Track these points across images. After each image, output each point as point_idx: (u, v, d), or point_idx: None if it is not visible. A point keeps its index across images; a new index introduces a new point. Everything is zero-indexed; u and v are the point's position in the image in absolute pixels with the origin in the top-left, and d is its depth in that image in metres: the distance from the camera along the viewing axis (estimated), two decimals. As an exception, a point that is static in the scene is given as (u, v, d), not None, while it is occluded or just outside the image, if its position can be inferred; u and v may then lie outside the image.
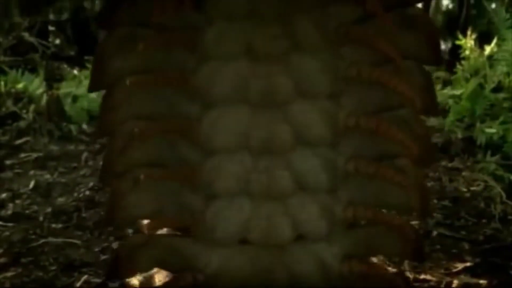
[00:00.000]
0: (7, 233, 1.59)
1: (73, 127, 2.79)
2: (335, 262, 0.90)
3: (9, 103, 2.95)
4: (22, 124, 2.77)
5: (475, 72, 2.73)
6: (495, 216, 1.65)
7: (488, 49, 2.81)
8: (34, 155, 2.43)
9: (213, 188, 0.88)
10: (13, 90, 3.09)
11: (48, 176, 2.15)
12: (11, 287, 1.28)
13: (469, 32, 2.96)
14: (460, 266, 1.33)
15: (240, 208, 0.88)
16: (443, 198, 1.82)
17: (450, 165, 2.18)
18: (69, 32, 5.89)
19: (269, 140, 0.85)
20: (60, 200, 1.86)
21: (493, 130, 2.23)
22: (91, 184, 2.00)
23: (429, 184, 1.93)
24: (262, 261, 0.89)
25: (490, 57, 2.76)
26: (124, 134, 0.89)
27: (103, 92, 0.91)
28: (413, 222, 1.40)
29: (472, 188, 1.91)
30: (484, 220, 1.65)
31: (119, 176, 0.90)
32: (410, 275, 1.26)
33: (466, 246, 1.47)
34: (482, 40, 3.02)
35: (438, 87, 3.03)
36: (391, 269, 1.24)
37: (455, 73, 2.91)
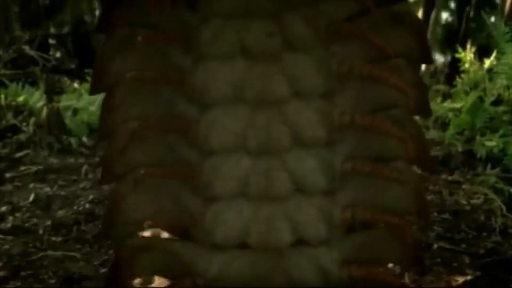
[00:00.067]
0: (6, 246, 1.58)
1: (73, 140, 2.79)
2: (334, 267, 0.90)
3: (9, 116, 2.96)
4: (22, 137, 2.77)
5: (475, 85, 2.74)
6: (496, 229, 1.65)
7: (487, 63, 2.82)
8: (34, 168, 2.43)
9: (212, 189, 0.88)
10: (13, 103, 3.10)
11: (48, 189, 2.15)
12: (10, 301, 1.28)
13: (468, 46, 2.97)
14: (460, 279, 1.33)
15: (239, 211, 0.88)
16: (443, 211, 1.81)
17: (450, 178, 2.18)
18: (69, 45, 5.91)
19: (266, 140, 0.85)
20: (60, 213, 1.86)
21: (493, 143, 2.23)
22: (90, 197, 2.00)
23: (429, 197, 1.92)
24: (261, 266, 0.89)
25: (489, 70, 2.77)
26: (124, 134, 0.89)
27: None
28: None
29: (472, 201, 1.91)
30: (484, 233, 1.64)
31: (119, 177, 0.91)
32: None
33: (467, 259, 1.46)
34: (482, 53, 3.04)
35: (438, 100, 3.03)
36: (391, 275, 1.24)
37: (455, 86, 2.92)
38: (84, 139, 2.89)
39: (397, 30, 0.87)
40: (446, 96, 3.22)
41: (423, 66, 5.86)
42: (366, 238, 0.93)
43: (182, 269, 0.91)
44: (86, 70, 4.44)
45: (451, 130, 2.51)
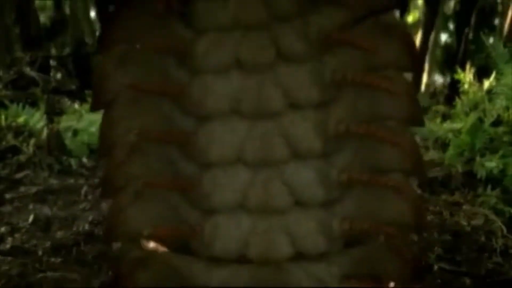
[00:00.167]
0: (5, 267, 1.58)
1: (73, 161, 2.79)
2: (334, 282, 0.90)
3: (10, 136, 2.96)
4: (22, 157, 2.77)
5: (474, 106, 2.75)
6: (497, 250, 1.65)
7: (487, 83, 2.83)
8: (34, 188, 2.42)
9: (210, 202, 0.88)
10: (13, 124, 3.10)
11: (47, 210, 2.14)
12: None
13: (468, 67, 2.98)
14: (461, 300, 1.32)
15: (238, 223, 0.88)
16: (443, 232, 1.81)
17: (450, 199, 2.17)
18: (70, 66, 5.94)
19: (263, 152, 0.86)
20: (59, 234, 1.86)
21: (493, 164, 2.23)
22: (90, 218, 2.00)
23: (429, 218, 1.92)
24: (261, 281, 0.89)
25: (489, 91, 2.77)
26: (124, 147, 0.90)
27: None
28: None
29: (473, 222, 1.91)
30: (485, 254, 1.64)
31: (119, 189, 0.91)
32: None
33: (468, 280, 1.46)
34: (481, 74, 3.04)
35: (437, 120, 3.04)
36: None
37: (454, 107, 2.93)
38: (84, 160, 2.89)
39: (386, 40, 0.88)
40: (445, 117, 3.23)
41: (423, 87, 5.88)
42: (365, 253, 0.93)
43: (182, 283, 0.91)
44: (86, 91, 4.45)
45: (451, 151, 2.51)
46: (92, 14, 6.68)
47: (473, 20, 5.38)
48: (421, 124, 0.95)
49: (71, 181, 2.58)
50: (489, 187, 2.14)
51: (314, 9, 0.86)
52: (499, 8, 6.86)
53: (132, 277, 0.92)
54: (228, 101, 0.86)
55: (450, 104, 3.12)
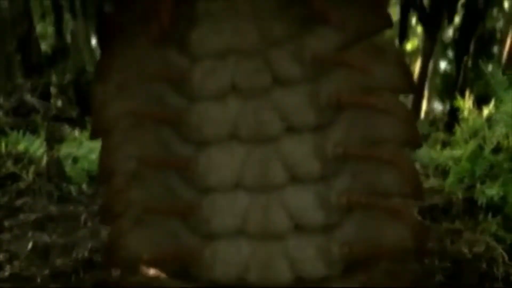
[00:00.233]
0: (4, 295, 1.57)
1: (72, 188, 2.79)
2: None
3: (9, 164, 2.96)
4: (21, 185, 2.77)
5: (474, 133, 2.75)
6: (498, 278, 1.64)
7: (486, 111, 2.83)
8: (33, 216, 2.42)
9: (210, 227, 0.88)
10: (13, 151, 3.10)
11: (46, 237, 2.13)
12: None
13: (467, 94, 2.99)
14: (463, 328, 1.31)
15: (238, 248, 0.88)
16: (444, 259, 1.80)
17: (451, 226, 2.16)
18: (71, 94, 5.95)
19: (262, 177, 0.86)
20: (58, 261, 1.85)
21: (493, 191, 2.23)
22: (89, 245, 1.99)
23: (430, 245, 1.91)
24: None
25: (488, 118, 2.77)
26: (123, 174, 0.90)
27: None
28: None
29: (473, 249, 1.90)
30: (486, 282, 1.63)
31: (118, 216, 0.91)
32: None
33: (469, 308, 1.45)
34: (480, 101, 3.05)
35: (437, 148, 3.04)
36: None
37: (454, 134, 2.93)
38: (84, 187, 2.88)
39: (380, 61, 0.89)
40: (445, 144, 3.23)
41: (422, 114, 5.89)
42: (365, 278, 0.92)
43: None
44: (86, 118, 4.46)
45: (451, 178, 2.50)
46: (93, 42, 6.72)
47: (472, 47, 5.41)
48: (419, 146, 0.96)
49: (71, 208, 2.58)
50: (490, 214, 2.13)
51: (308, 32, 0.87)
52: (498, 36, 6.90)
53: None
54: (226, 127, 0.87)
55: (450, 131, 3.12)
